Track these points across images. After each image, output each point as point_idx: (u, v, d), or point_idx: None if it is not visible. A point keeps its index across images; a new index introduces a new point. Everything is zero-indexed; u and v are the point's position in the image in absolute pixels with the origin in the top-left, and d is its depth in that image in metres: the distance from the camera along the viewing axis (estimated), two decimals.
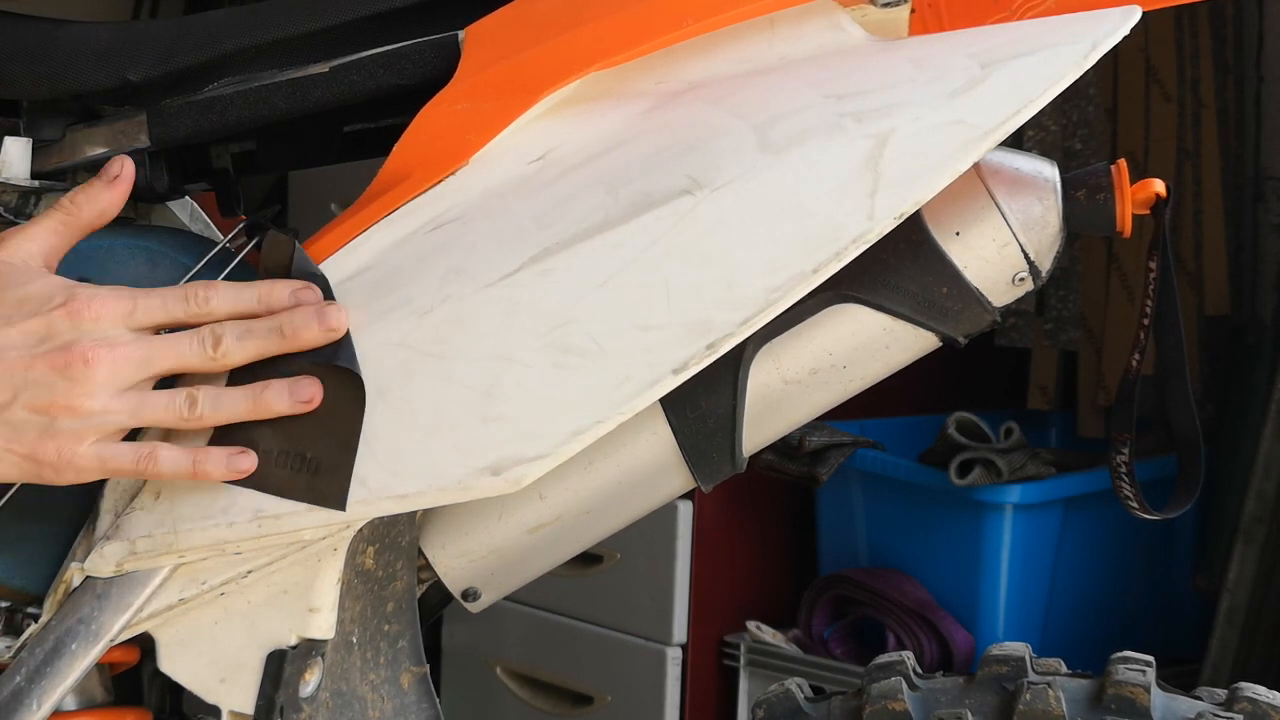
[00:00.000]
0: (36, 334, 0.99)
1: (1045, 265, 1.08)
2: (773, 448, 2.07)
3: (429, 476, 1.01)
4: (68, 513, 1.12)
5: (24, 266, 1.03)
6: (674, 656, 2.44)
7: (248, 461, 1.01)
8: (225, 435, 1.02)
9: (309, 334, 1.00)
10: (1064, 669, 1.22)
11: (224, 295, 1.02)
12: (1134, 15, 0.99)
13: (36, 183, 1.19)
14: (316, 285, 1.02)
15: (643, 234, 0.98)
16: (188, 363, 1.00)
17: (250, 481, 1.01)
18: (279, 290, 1.02)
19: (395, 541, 1.15)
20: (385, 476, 1.01)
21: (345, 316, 1.01)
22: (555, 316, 0.99)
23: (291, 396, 1.00)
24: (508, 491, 1.00)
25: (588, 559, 2.48)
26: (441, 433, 1.00)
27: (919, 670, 1.25)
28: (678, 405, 1.09)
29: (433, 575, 1.19)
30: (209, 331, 1.00)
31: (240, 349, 1.00)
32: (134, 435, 1.03)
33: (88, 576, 1.08)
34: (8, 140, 1.17)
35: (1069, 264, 2.56)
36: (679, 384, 0.98)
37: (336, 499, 1.00)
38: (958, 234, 1.06)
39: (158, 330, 1.02)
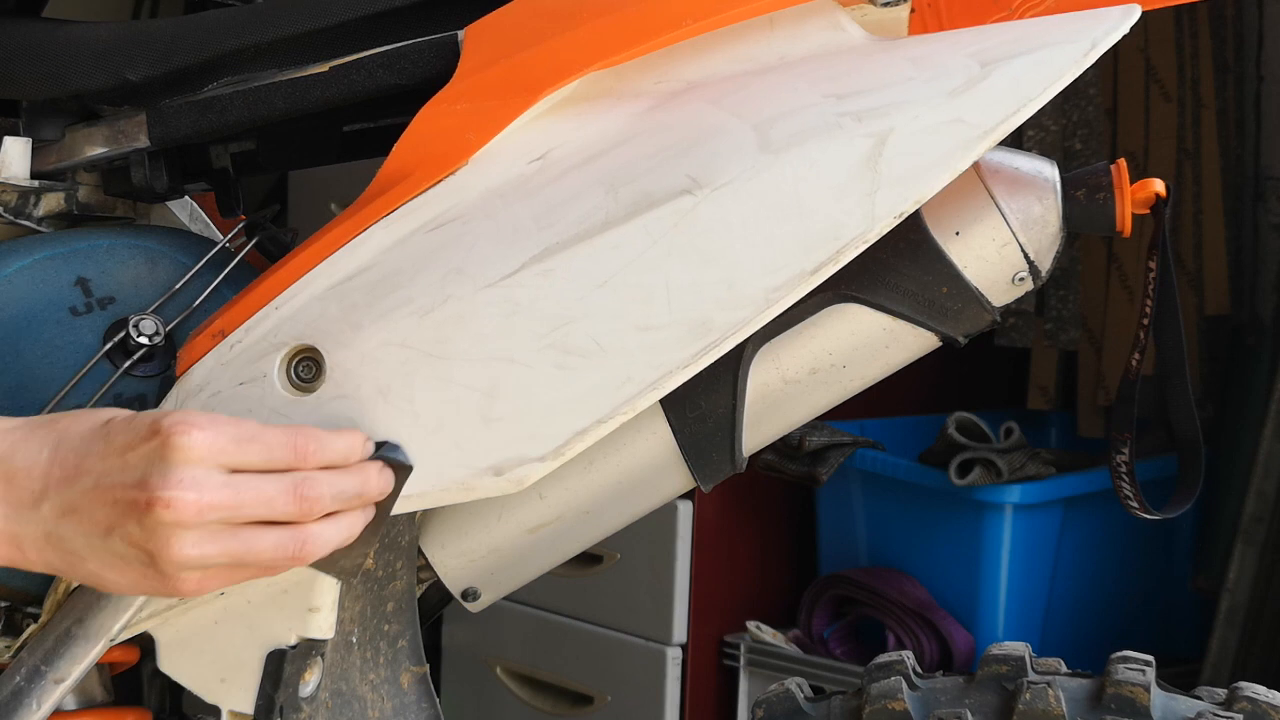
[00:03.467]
0: (127, 464, 0.93)
1: (1045, 265, 1.07)
2: (773, 448, 2.07)
3: (431, 477, 1.01)
4: None
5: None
6: (674, 656, 2.44)
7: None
8: None
9: (375, 493, 0.99)
10: (1064, 669, 1.22)
11: (325, 449, 0.97)
12: (1133, 14, 0.99)
13: (36, 182, 1.19)
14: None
15: (643, 234, 0.98)
16: (275, 514, 0.95)
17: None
18: (356, 444, 0.99)
19: (395, 541, 1.15)
20: None
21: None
22: (556, 317, 0.99)
23: (376, 525, 1.00)
24: (510, 492, 1.00)
25: (588, 559, 2.48)
26: (443, 433, 1.00)
27: (919, 670, 1.25)
28: (677, 405, 1.09)
29: (432, 575, 1.19)
30: (301, 488, 0.95)
31: (327, 506, 0.97)
32: None
33: None
34: (7, 140, 1.17)
35: (1069, 264, 2.56)
36: (679, 384, 0.98)
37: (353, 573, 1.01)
38: (957, 233, 1.06)
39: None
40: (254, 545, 0.95)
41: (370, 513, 1.00)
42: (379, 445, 1.00)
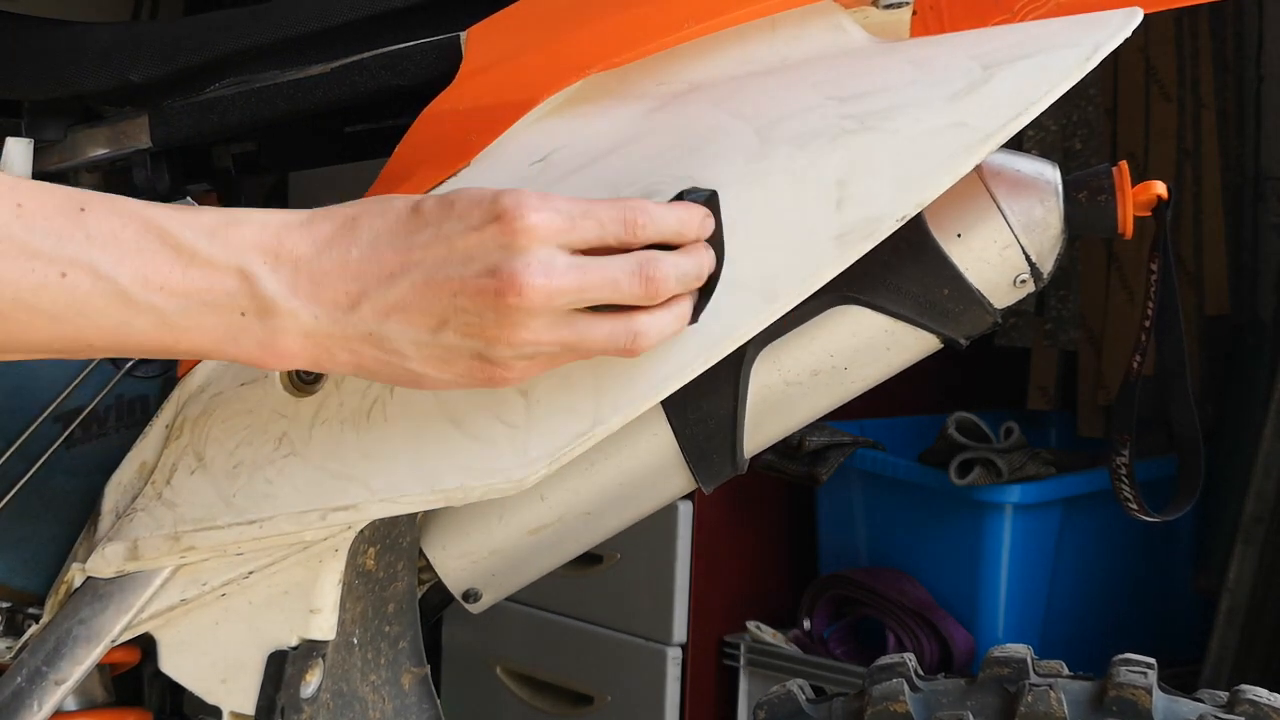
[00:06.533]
0: (466, 253, 0.89)
1: (1046, 267, 1.07)
2: (773, 448, 2.07)
3: (428, 481, 1.01)
4: (69, 513, 1.12)
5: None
6: (674, 656, 2.44)
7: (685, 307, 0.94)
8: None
9: (704, 274, 0.95)
10: (1065, 671, 1.22)
11: (656, 222, 0.92)
12: (1135, 17, 0.99)
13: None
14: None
15: None
16: (621, 297, 0.91)
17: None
18: (693, 218, 0.94)
19: (396, 542, 1.15)
20: (388, 478, 1.01)
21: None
22: None
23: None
24: (512, 493, 1.00)
25: (588, 559, 2.48)
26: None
27: (920, 672, 1.25)
28: (679, 407, 1.09)
29: (433, 576, 1.19)
30: (647, 268, 0.91)
31: (671, 288, 0.93)
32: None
33: (89, 577, 1.08)
34: (9, 141, 1.17)
35: (1069, 264, 2.56)
36: (682, 386, 0.98)
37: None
38: (959, 235, 1.06)
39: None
40: (587, 335, 0.91)
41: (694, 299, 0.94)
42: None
